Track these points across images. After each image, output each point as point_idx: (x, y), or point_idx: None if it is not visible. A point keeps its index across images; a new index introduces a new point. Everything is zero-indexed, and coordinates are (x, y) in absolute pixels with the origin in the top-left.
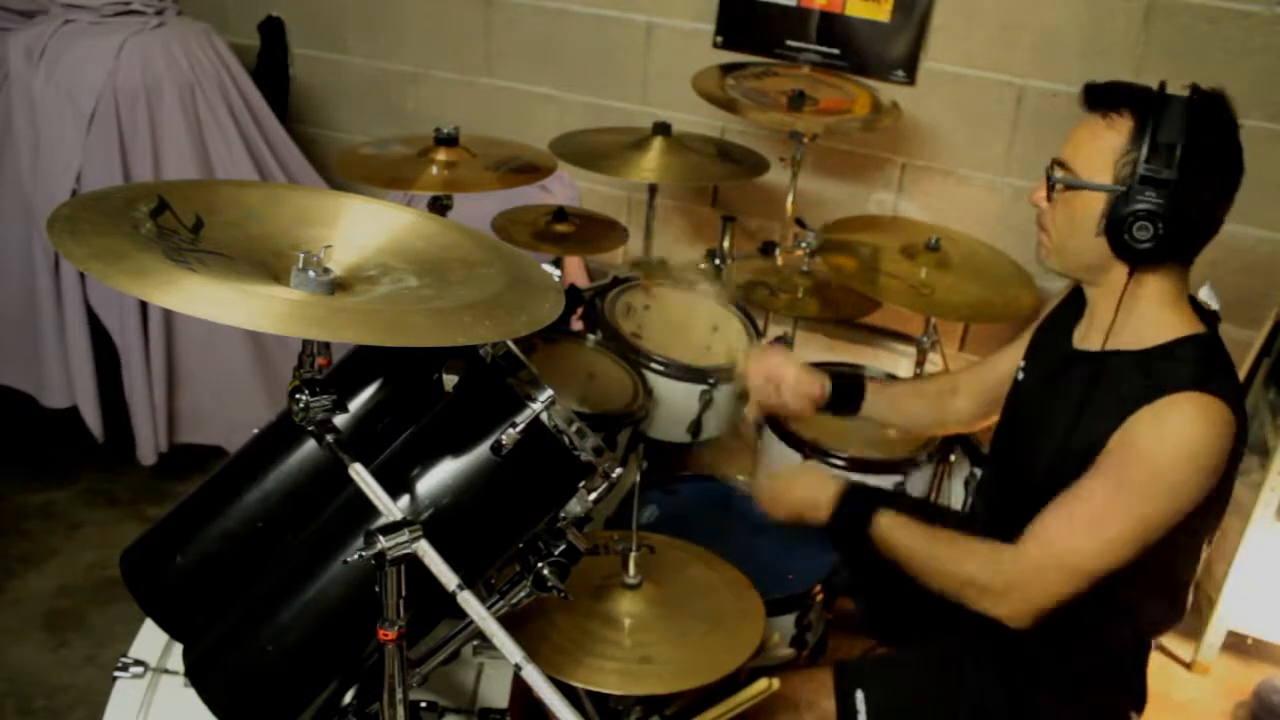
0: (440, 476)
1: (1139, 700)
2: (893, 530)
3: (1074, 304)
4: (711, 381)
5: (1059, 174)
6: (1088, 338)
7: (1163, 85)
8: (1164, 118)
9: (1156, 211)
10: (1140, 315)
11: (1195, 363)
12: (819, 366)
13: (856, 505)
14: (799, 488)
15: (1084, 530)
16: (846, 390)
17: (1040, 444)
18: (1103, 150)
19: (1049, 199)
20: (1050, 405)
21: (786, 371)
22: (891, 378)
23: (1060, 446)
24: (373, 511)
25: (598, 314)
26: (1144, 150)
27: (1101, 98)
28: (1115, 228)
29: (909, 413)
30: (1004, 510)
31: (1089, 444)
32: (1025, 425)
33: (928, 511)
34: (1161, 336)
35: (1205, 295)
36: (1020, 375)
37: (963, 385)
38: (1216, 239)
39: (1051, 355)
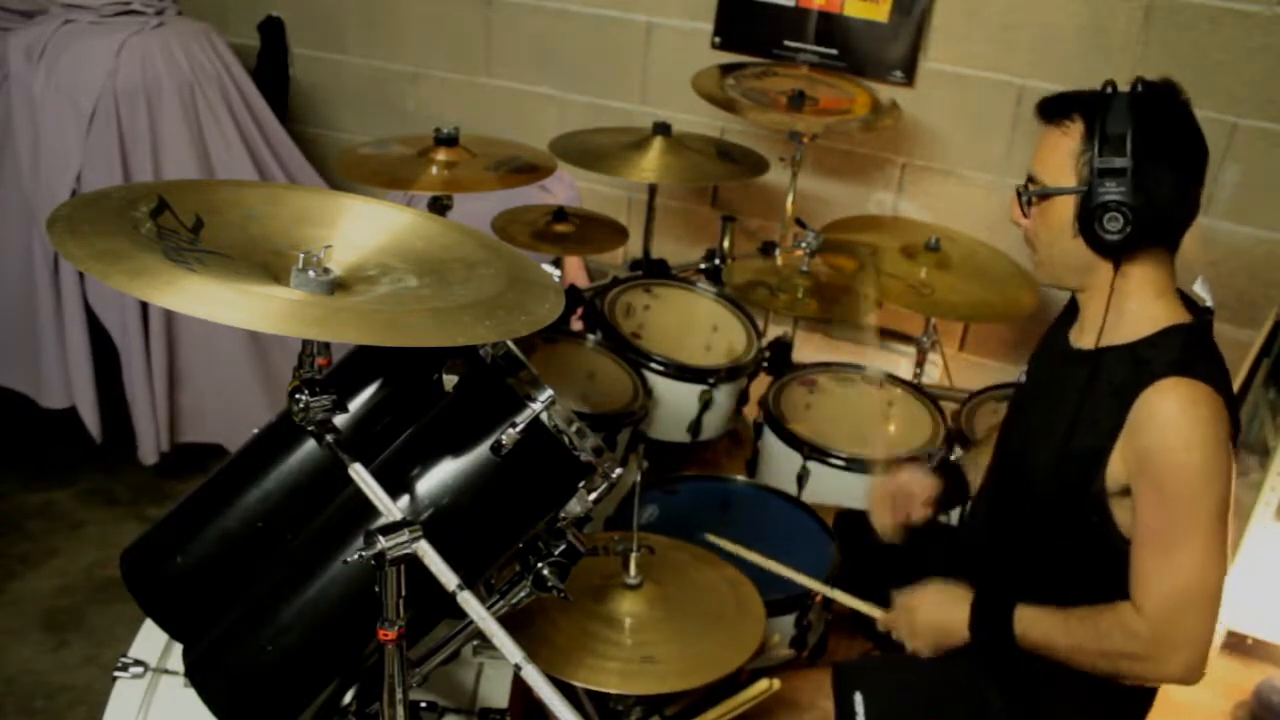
0: (440, 476)
1: (1142, 704)
2: (1032, 629)
3: (1072, 307)
4: (711, 381)
5: (1031, 188)
6: (1082, 337)
7: (1110, 84)
8: (1110, 112)
9: (1121, 200)
10: (1129, 310)
11: (1177, 350)
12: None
13: (993, 616)
14: (930, 614)
15: (1175, 558)
16: (954, 484)
17: (1041, 445)
18: (1062, 156)
19: (1026, 215)
20: (1049, 406)
21: (915, 490)
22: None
23: (1061, 447)
24: (373, 511)
25: (598, 314)
26: (1096, 145)
27: (1053, 108)
28: (1088, 225)
29: None
30: (1005, 512)
31: (1090, 445)
32: (1026, 427)
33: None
34: (1149, 328)
35: (1199, 288)
36: (1023, 378)
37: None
38: (1216, 239)
39: (1050, 357)
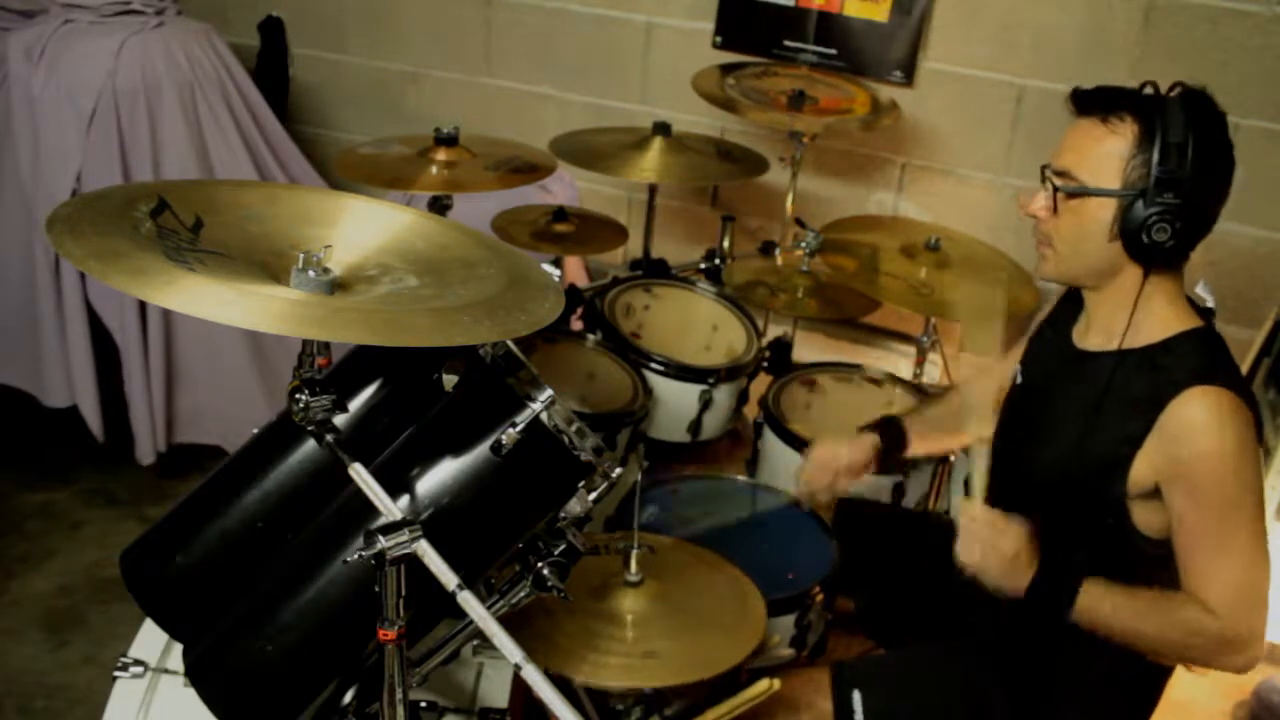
0: (440, 476)
1: (1147, 704)
2: (1099, 605)
3: (1069, 305)
4: (711, 381)
5: (1062, 183)
6: (1088, 338)
7: (1154, 85)
8: (1169, 119)
9: (1174, 211)
10: (1143, 313)
11: (1196, 356)
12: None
13: (1059, 581)
14: (1009, 551)
15: (1231, 558)
16: (894, 441)
17: (1047, 446)
18: (1108, 156)
19: (1054, 210)
20: (1055, 406)
21: (840, 460)
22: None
23: (1073, 449)
24: (373, 511)
25: (598, 314)
26: (1155, 152)
27: (1098, 102)
28: (1132, 232)
29: (942, 437)
30: (1008, 510)
31: (1109, 449)
32: (1028, 427)
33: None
34: (1163, 333)
35: (1201, 290)
36: (1018, 378)
37: (977, 400)
38: (1216, 238)
39: (1051, 356)
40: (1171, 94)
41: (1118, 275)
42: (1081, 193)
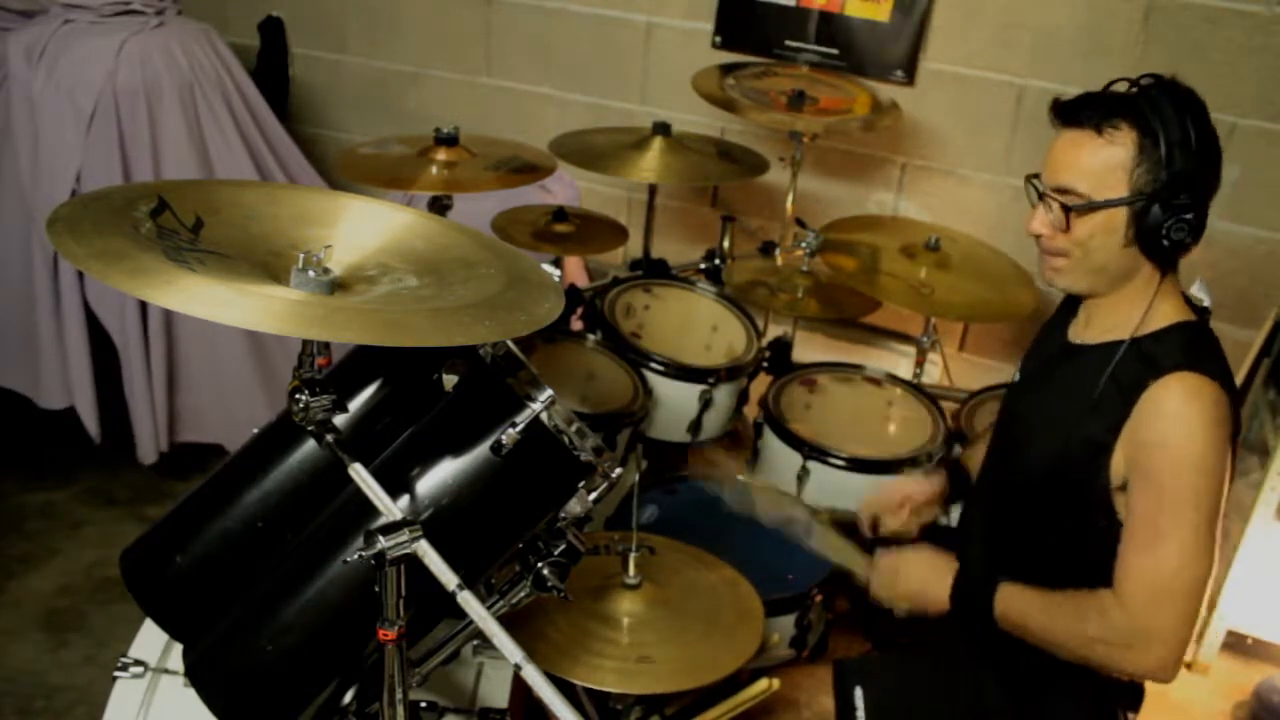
0: (440, 476)
1: (1135, 698)
2: (1011, 604)
3: (1066, 305)
4: (711, 381)
5: (1065, 200)
6: (1086, 333)
7: (1127, 80)
8: (1164, 117)
9: (1188, 208)
10: (1139, 307)
11: (1182, 345)
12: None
13: (975, 590)
14: (915, 578)
15: (1161, 549)
16: (959, 481)
17: (1040, 439)
18: (1110, 166)
19: (1066, 227)
20: (1048, 399)
21: (913, 494)
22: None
23: (1065, 439)
24: (373, 511)
25: (598, 314)
26: (1161, 154)
27: (1088, 113)
28: (1150, 235)
29: None
30: (1003, 509)
31: (1092, 437)
32: (1023, 422)
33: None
34: (1154, 324)
35: (1197, 290)
36: (1017, 376)
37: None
38: (1216, 239)
39: (1046, 353)
40: (1152, 90)
41: (1134, 277)
42: (1094, 207)
